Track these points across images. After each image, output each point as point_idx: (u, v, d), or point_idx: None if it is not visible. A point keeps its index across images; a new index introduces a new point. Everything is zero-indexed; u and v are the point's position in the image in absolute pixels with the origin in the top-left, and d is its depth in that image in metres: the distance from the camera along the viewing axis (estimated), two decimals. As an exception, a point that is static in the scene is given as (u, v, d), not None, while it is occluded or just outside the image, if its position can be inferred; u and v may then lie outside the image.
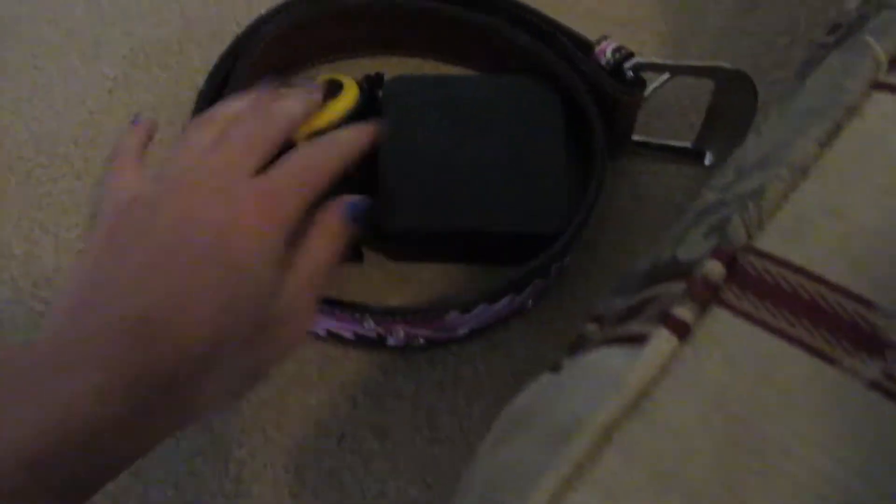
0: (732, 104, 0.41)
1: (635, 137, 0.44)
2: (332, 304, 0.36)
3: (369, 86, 0.41)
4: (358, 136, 0.35)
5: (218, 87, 0.42)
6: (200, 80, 0.46)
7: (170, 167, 0.30)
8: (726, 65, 0.39)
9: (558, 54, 0.42)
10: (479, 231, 0.38)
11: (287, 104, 0.34)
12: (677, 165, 0.44)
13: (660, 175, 0.44)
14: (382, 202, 0.39)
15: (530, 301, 0.39)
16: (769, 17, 0.49)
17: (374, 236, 0.40)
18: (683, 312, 0.21)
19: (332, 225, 0.32)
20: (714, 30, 0.48)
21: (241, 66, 0.42)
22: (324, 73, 0.41)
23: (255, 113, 0.33)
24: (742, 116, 0.41)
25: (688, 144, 0.44)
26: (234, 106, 0.33)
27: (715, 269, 0.21)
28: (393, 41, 0.47)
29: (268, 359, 0.29)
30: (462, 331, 0.38)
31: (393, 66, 0.47)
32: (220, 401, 0.28)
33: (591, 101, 0.40)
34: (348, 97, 0.38)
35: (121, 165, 0.31)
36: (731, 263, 0.22)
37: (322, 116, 0.36)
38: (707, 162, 0.43)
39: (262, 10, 0.48)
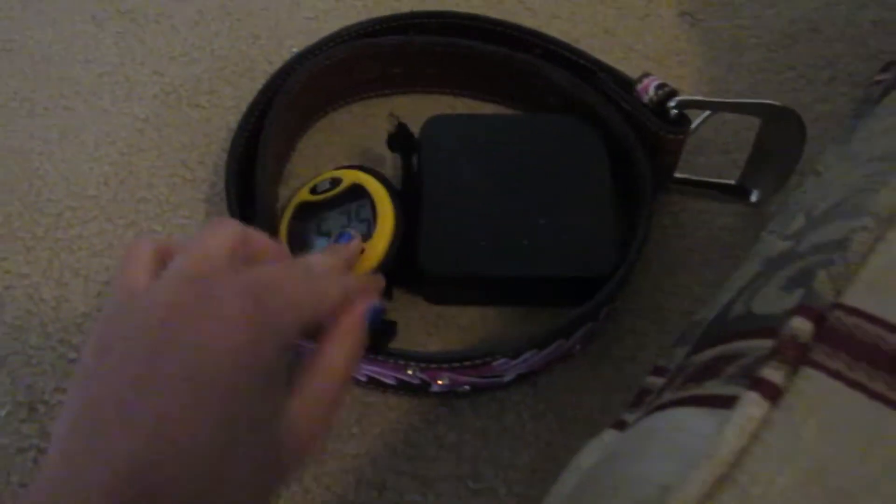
0: (779, 141, 0.40)
1: (677, 174, 0.43)
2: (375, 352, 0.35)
3: (400, 135, 0.39)
4: (364, 289, 0.31)
5: (253, 125, 0.42)
6: (232, 118, 0.46)
7: (178, 267, 0.27)
8: (774, 102, 0.38)
9: (599, 92, 0.41)
10: (525, 276, 0.37)
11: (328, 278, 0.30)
12: (721, 203, 0.43)
13: (704, 213, 0.43)
14: (424, 245, 0.38)
15: (578, 346, 0.37)
16: (808, 52, 0.48)
17: (414, 279, 0.39)
18: (773, 374, 0.20)
19: (353, 330, 0.29)
20: (752, 65, 0.48)
21: (277, 105, 0.41)
22: (347, 173, 0.39)
23: (301, 272, 0.29)
24: (789, 154, 0.40)
25: (732, 181, 0.43)
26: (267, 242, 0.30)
27: (803, 326, 0.20)
28: (427, 79, 0.46)
29: (269, 486, 0.26)
30: (508, 377, 0.37)
31: (427, 104, 0.46)
32: None
33: (636, 140, 0.39)
34: (385, 229, 0.37)
35: (130, 260, 0.28)
36: (819, 320, 0.20)
37: (364, 263, 0.36)
38: (753, 199, 0.42)
39: (294, 49, 0.48)
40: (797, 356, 0.20)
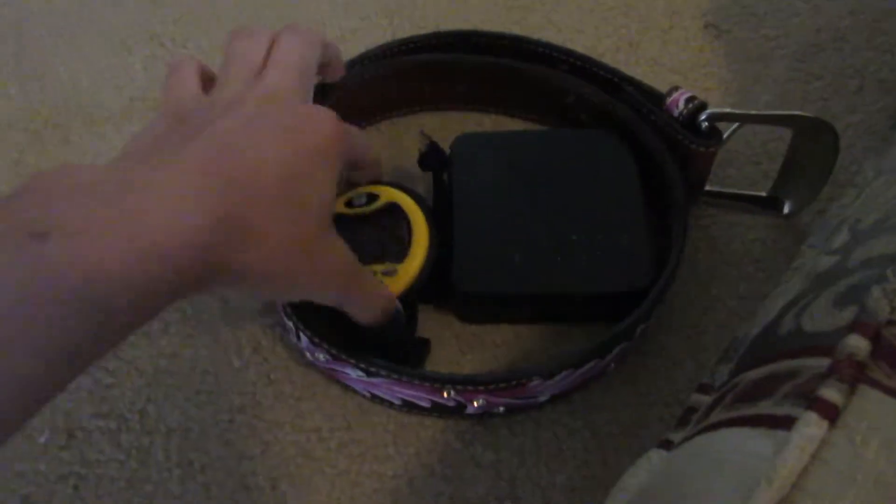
0: (812, 152, 0.39)
1: (708, 187, 0.42)
2: (407, 374, 0.35)
3: (431, 153, 0.40)
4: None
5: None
6: (261, 141, 0.46)
7: (224, 87, 0.31)
8: (806, 113, 0.38)
9: (628, 106, 0.41)
10: (560, 293, 0.37)
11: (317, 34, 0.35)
12: (753, 215, 0.43)
13: (736, 226, 0.42)
14: (457, 263, 0.38)
15: (613, 364, 0.37)
16: (835, 60, 0.48)
17: (448, 298, 0.39)
18: (831, 393, 0.19)
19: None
20: (779, 75, 0.47)
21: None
22: (384, 189, 0.39)
23: (297, 35, 0.34)
24: (822, 165, 0.39)
25: (763, 193, 0.42)
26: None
27: (860, 344, 0.20)
28: (456, 96, 0.46)
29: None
30: (543, 397, 0.36)
31: (456, 121, 0.47)
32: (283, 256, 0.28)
33: (667, 154, 0.39)
34: (419, 251, 0.37)
35: (178, 77, 0.32)
36: (875, 338, 0.20)
37: (396, 284, 0.36)
38: (786, 211, 0.42)
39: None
40: (854, 374, 0.20)
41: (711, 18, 0.50)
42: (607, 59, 0.46)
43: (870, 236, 0.24)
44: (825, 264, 0.25)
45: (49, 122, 0.47)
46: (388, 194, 0.39)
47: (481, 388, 0.34)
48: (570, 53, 0.43)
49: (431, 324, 0.40)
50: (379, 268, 0.36)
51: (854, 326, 0.20)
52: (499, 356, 0.39)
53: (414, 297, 0.37)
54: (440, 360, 0.39)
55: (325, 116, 0.31)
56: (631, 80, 0.42)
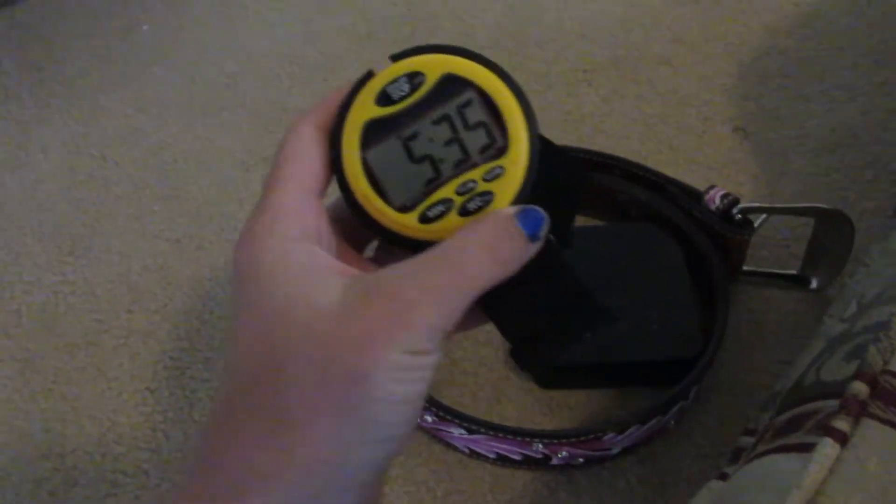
0: (832, 237, 0.47)
1: (746, 268, 0.50)
2: (504, 431, 0.42)
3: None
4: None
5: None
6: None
7: None
8: (824, 205, 0.46)
9: (672, 203, 0.49)
10: (623, 361, 0.44)
11: None
12: (786, 291, 0.50)
13: (772, 300, 0.50)
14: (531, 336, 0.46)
15: (672, 421, 0.44)
16: (851, 155, 0.56)
17: (530, 368, 0.46)
18: (841, 424, 0.27)
19: (494, 223, 0.27)
20: (802, 169, 0.55)
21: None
22: (428, 61, 0.29)
23: None
24: (842, 247, 0.47)
25: (793, 272, 0.50)
26: None
27: (861, 388, 0.27)
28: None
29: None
30: (615, 450, 0.43)
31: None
32: None
33: (707, 243, 0.47)
34: (518, 132, 0.28)
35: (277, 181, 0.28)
36: (872, 383, 0.27)
37: (512, 178, 0.28)
38: (814, 286, 0.49)
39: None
40: (858, 410, 0.27)
41: (739, 123, 0.58)
42: (651, 160, 0.54)
43: (870, 307, 0.32)
44: (838, 330, 0.33)
45: (187, 233, 0.56)
46: (436, 65, 0.29)
47: (565, 440, 0.42)
48: (621, 161, 0.52)
49: (514, 391, 0.47)
50: (474, 174, 0.28)
51: (857, 375, 0.28)
52: (574, 416, 0.46)
53: (540, 189, 0.28)
54: (526, 420, 0.46)
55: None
56: (673, 181, 0.51)
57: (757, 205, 0.47)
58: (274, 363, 0.26)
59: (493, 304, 0.28)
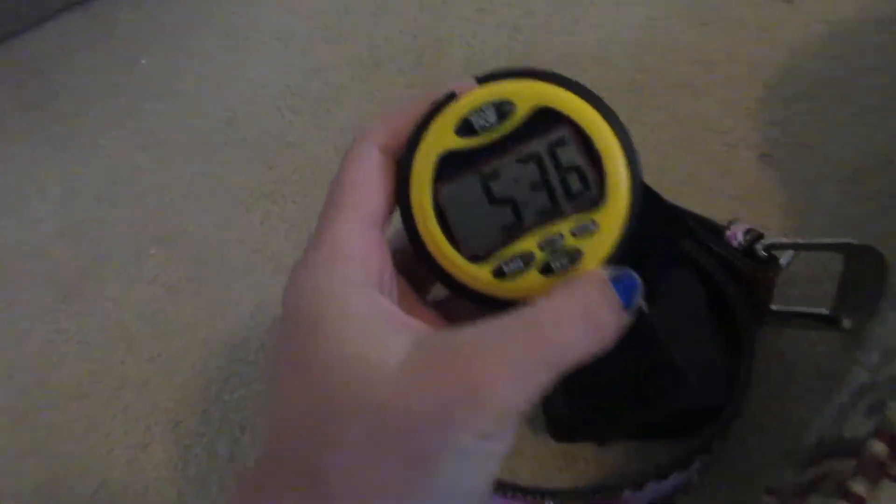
0: (863, 273, 0.46)
1: (773, 306, 0.49)
2: (514, 489, 0.42)
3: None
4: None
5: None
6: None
7: None
8: (853, 240, 0.45)
9: (693, 239, 0.49)
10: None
11: None
12: (817, 331, 0.49)
13: (801, 341, 0.49)
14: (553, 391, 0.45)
15: (696, 476, 0.44)
16: (880, 183, 0.55)
17: (549, 420, 0.46)
18: (859, 488, 0.26)
19: (589, 288, 0.25)
20: (831, 199, 0.55)
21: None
22: (519, 88, 0.27)
23: None
24: (875, 284, 0.46)
25: (824, 311, 0.49)
26: None
27: (880, 448, 0.27)
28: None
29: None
30: (634, 506, 0.43)
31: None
32: None
33: (730, 283, 0.47)
34: (619, 181, 0.26)
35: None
36: (892, 443, 0.27)
37: (605, 237, 0.25)
38: (846, 326, 0.48)
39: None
40: (877, 472, 0.26)
41: (764, 150, 0.58)
42: (671, 192, 0.53)
43: (894, 357, 0.31)
44: (862, 379, 0.32)
45: (185, 276, 0.57)
46: (529, 94, 0.26)
47: (579, 500, 0.41)
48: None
49: (529, 444, 0.47)
50: (562, 226, 0.26)
51: (877, 434, 0.27)
52: (590, 471, 0.46)
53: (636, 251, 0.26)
54: (540, 476, 0.46)
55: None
56: (693, 215, 0.50)
57: (783, 241, 0.47)
58: (320, 429, 0.24)
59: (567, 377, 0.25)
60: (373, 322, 0.25)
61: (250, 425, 0.50)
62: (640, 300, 0.25)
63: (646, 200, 0.26)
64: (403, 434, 0.23)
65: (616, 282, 0.25)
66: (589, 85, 0.27)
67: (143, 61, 0.71)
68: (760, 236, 0.47)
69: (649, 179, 0.58)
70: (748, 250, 0.47)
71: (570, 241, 0.25)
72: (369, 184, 0.27)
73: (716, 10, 0.67)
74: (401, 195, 0.27)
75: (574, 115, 0.26)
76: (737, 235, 0.48)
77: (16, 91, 0.71)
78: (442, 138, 0.26)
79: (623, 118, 0.59)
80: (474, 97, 0.26)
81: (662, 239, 0.27)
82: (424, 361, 0.23)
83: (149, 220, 0.61)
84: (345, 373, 0.24)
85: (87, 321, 0.56)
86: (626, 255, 0.25)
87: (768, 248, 0.47)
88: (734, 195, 0.56)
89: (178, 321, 0.55)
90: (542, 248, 0.26)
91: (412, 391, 0.23)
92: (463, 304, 0.27)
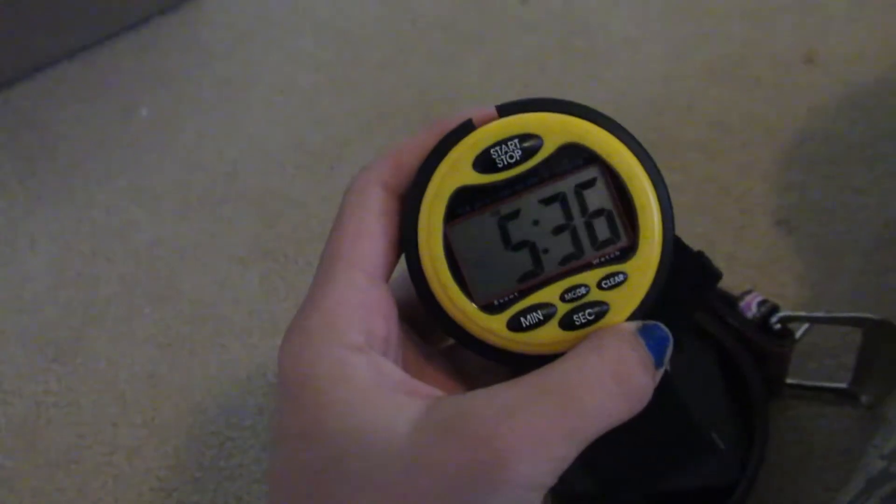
0: (883, 349, 0.48)
1: (789, 380, 0.51)
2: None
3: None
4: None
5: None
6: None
7: None
8: (871, 315, 0.47)
9: (706, 310, 0.51)
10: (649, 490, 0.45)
11: None
12: (836, 406, 0.50)
13: (820, 417, 0.50)
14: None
15: (707, 559, 0.45)
16: (907, 252, 0.57)
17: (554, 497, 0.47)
18: (870, 584, 0.27)
19: (617, 343, 0.24)
20: (852, 268, 0.56)
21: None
22: (546, 122, 0.26)
23: None
24: (894, 359, 0.47)
25: (843, 385, 0.50)
26: None
27: (893, 543, 0.28)
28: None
29: None
30: (642, 592, 0.44)
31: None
32: None
33: (744, 354, 0.48)
34: (651, 230, 0.25)
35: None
36: (906, 536, 0.28)
37: (636, 290, 0.25)
38: (864, 402, 0.49)
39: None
40: (889, 567, 0.27)
41: (782, 216, 0.60)
42: (685, 259, 0.55)
43: (909, 445, 0.32)
44: (878, 467, 0.33)
45: (179, 336, 0.59)
46: (557, 128, 0.26)
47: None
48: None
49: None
50: (587, 277, 0.25)
51: (889, 527, 0.28)
52: (598, 551, 0.47)
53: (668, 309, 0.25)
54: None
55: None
56: (707, 284, 0.52)
57: (797, 314, 0.48)
58: (328, 493, 0.23)
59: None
60: (378, 390, 0.24)
61: (246, 494, 0.51)
62: (669, 356, 0.24)
63: (677, 251, 0.26)
64: None
65: (647, 337, 0.24)
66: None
67: (143, 112, 0.73)
68: (775, 308, 0.49)
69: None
70: (762, 322, 0.49)
71: (596, 293, 0.25)
72: (371, 230, 0.26)
73: (734, 70, 0.69)
74: (406, 236, 0.26)
75: (605, 154, 0.25)
76: (751, 307, 0.49)
77: (8, 142, 0.73)
78: (458, 173, 0.25)
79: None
80: (497, 128, 0.25)
81: (689, 291, 0.26)
82: (435, 433, 0.22)
83: (144, 278, 0.62)
84: (352, 441, 0.23)
85: (79, 382, 0.57)
86: (653, 308, 0.25)
87: (783, 320, 0.48)
88: (750, 262, 0.58)
89: (172, 383, 0.56)
90: (564, 299, 0.25)
91: (424, 468, 0.22)
92: (476, 355, 0.26)
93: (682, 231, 0.60)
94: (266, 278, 0.62)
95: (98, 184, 0.68)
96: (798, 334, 0.49)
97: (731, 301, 0.50)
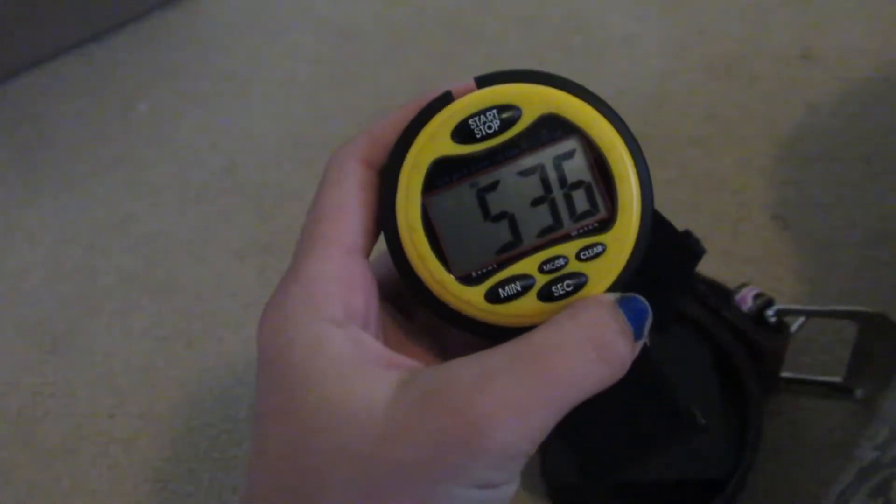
0: (878, 343, 0.47)
1: (784, 374, 0.51)
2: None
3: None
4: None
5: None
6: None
7: None
8: (866, 308, 0.47)
9: (701, 303, 0.51)
10: (645, 481, 0.45)
11: None
12: (831, 400, 0.50)
13: (814, 412, 0.50)
14: (549, 456, 0.46)
15: (701, 550, 0.45)
16: (902, 247, 0.56)
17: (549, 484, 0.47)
18: (860, 573, 0.27)
19: (593, 312, 0.24)
20: (848, 263, 0.56)
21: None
22: (526, 93, 0.26)
23: None
24: (889, 354, 0.47)
25: (837, 379, 0.50)
26: None
27: (883, 531, 0.28)
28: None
29: None
30: (636, 581, 0.44)
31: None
32: None
33: (738, 348, 0.48)
34: (628, 200, 0.25)
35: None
36: (896, 525, 0.28)
37: (614, 260, 0.25)
38: (858, 396, 0.49)
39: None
40: (879, 556, 0.27)
41: (778, 211, 0.60)
42: (681, 254, 0.55)
43: (901, 435, 0.32)
44: (869, 458, 0.33)
45: (175, 330, 0.59)
46: (537, 99, 0.26)
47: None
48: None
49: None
50: (565, 248, 0.25)
51: (880, 516, 0.28)
52: (593, 542, 0.47)
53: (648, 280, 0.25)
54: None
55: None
56: (702, 279, 0.52)
57: (794, 307, 0.48)
58: (304, 490, 0.23)
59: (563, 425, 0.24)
60: (356, 362, 0.24)
61: (240, 486, 0.51)
62: (648, 328, 0.24)
63: (656, 225, 0.26)
64: (393, 484, 0.22)
65: (625, 307, 0.24)
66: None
67: (142, 106, 0.73)
68: (771, 302, 0.49)
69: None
70: (758, 316, 0.49)
71: (575, 265, 0.25)
72: (350, 205, 0.26)
73: (731, 66, 0.69)
74: (384, 207, 0.26)
75: (585, 126, 0.25)
76: (746, 300, 0.49)
77: (8, 135, 0.73)
78: (437, 144, 0.25)
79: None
80: (475, 99, 0.25)
81: (671, 268, 0.26)
82: (413, 403, 0.22)
83: (141, 271, 0.62)
84: (329, 414, 0.23)
85: (75, 374, 0.57)
86: (632, 282, 0.25)
87: (779, 314, 0.48)
88: (746, 257, 0.58)
89: (168, 375, 0.56)
90: (542, 270, 0.25)
91: (401, 438, 0.22)
92: (457, 330, 0.26)
93: (679, 225, 0.60)
94: (263, 272, 0.62)
95: (96, 177, 0.68)
96: (793, 329, 0.49)
97: (726, 294, 0.50)
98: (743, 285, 0.50)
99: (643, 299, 0.24)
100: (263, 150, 0.69)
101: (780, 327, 0.48)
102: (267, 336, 0.25)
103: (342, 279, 0.25)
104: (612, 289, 0.25)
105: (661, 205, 0.61)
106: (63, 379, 0.57)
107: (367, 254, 0.27)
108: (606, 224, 0.25)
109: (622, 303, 0.24)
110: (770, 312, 0.48)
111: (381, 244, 0.28)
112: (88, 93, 0.75)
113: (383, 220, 0.26)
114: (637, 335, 0.24)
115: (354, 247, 0.26)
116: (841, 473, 0.37)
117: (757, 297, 0.49)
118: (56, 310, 0.61)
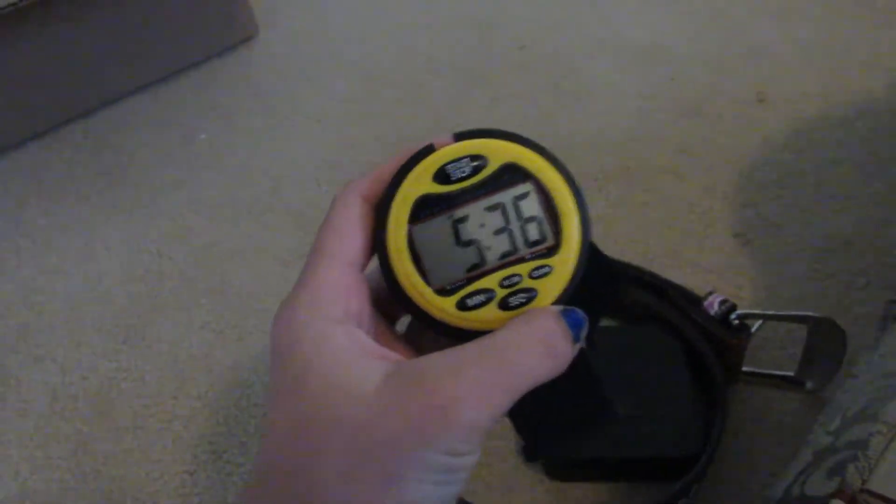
0: (825, 343, 0.47)
1: (745, 368, 0.50)
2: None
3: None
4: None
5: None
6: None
7: None
8: (814, 313, 0.46)
9: (674, 307, 0.50)
10: (625, 457, 0.44)
11: None
12: (784, 391, 0.49)
13: (771, 400, 0.49)
14: (542, 431, 0.46)
15: (676, 516, 0.44)
16: (845, 262, 0.56)
17: (541, 458, 0.46)
18: (821, 542, 0.26)
19: (540, 321, 0.25)
20: (799, 274, 0.55)
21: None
22: (492, 146, 0.27)
23: None
24: (834, 352, 0.47)
25: (790, 373, 0.49)
26: None
27: (840, 507, 0.27)
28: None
29: None
30: (620, 544, 0.43)
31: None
32: None
33: (706, 346, 0.47)
34: (571, 235, 0.27)
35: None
36: (851, 502, 0.27)
37: (558, 278, 0.26)
38: (809, 388, 0.49)
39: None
40: (837, 529, 0.27)
41: (739, 229, 0.59)
42: (656, 264, 0.55)
43: (852, 423, 0.31)
44: (824, 443, 0.33)
45: (229, 325, 0.58)
46: (500, 151, 0.27)
47: (571, 537, 0.41)
48: (631, 267, 0.53)
49: (526, 481, 0.47)
50: (520, 268, 0.27)
51: (837, 494, 0.28)
52: (582, 510, 0.46)
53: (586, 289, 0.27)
54: (534, 514, 0.46)
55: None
56: (674, 286, 0.51)
57: (753, 311, 0.48)
58: (307, 453, 0.24)
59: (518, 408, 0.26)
60: (352, 354, 0.25)
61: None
62: (585, 334, 0.26)
63: (592, 254, 0.27)
64: (378, 455, 0.23)
65: (567, 317, 0.26)
66: (588, 167, 0.28)
67: (202, 137, 0.72)
68: (734, 307, 0.48)
69: (637, 252, 0.59)
70: (723, 319, 0.48)
71: (527, 282, 0.27)
72: (351, 229, 0.27)
73: (698, 106, 0.68)
74: (378, 233, 0.27)
75: (537, 174, 0.27)
76: (713, 305, 0.48)
77: (91, 160, 0.72)
78: (420, 184, 0.27)
79: (614, 198, 0.60)
80: (452, 150, 0.27)
81: (602, 290, 0.28)
82: (398, 386, 0.24)
83: (200, 275, 0.62)
84: (328, 403, 0.24)
85: (145, 361, 0.56)
86: (572, 298, 0.27)
87: (740, 317, 0.48)
88: (712, 269, 0.57)
89: (223, 363, 0.56)
90: (502, 285, 0.27)
91: (387, 412, 0.23)
92: (430, 337, 0.28)
93: (653, 242, 0.59)
94: (304, 276, 0.61)
95: (163, 195, 0.68)
96: (753, 329, 0.48)
97: (696, 301, 0.49)
98: (710, 293, 0.49)
99: (581, 311, 0.26)
100: (302, 174, 0.69)
101: (742, 328, 0.47)
102: (280, 331, 0.26)
103: (342, 287, 0.26)
104: (556, 302, 0.27)
105: (639, 224, 0.61)
106: (134, 366, 0.56)
107: (363, 268, 0.28)
108: (553, 250, 0.27)
109: (565, 313, 0.26)
110: (733, 316, 0.48)
111: (373, 263, 0.29)
112: (157, 126, 0.74)
113: (377, 242, 0.28)
114: (576, 339, 0.26)
115: (353, 262, 0.27)
116: (797, 455, 0.36)
117: (722, 302, 0.48)
118: (129, 307, 0.60)
